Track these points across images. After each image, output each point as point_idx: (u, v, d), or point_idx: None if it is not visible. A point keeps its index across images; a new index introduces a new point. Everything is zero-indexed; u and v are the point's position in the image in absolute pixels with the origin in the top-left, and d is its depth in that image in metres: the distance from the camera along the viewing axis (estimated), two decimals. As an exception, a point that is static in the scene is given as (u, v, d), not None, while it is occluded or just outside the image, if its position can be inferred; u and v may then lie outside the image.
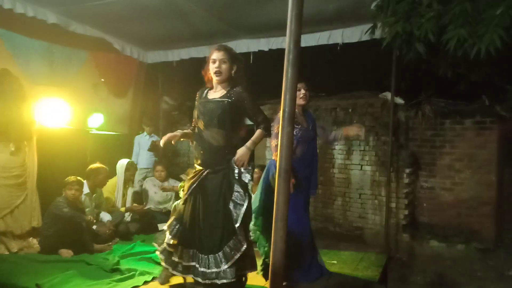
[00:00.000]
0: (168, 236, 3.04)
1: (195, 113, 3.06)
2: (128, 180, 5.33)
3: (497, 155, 5.05)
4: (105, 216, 4.76)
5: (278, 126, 3.58)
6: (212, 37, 5.60)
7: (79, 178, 4.27)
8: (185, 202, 3.05)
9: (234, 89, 2.94)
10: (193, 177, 3.02)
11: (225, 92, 2.96)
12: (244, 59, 3.13)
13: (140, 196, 5.60)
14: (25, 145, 4.17)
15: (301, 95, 3.43)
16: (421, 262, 5.17)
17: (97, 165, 4.74)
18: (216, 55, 2.91)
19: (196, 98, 3.12)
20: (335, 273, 3.75)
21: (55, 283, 3.24)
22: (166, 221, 5.02)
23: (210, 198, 2.94)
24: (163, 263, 3.12)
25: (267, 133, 2.94)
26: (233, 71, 2.94)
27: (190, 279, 3.06)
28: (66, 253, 4.00)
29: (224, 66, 2.90)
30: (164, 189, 5.69)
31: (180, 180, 5.64)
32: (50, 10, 4.59)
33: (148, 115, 6.72)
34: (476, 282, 4.65)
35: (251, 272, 3.09)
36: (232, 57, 2.95)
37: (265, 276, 3.37)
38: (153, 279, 3.51)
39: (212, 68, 2.93)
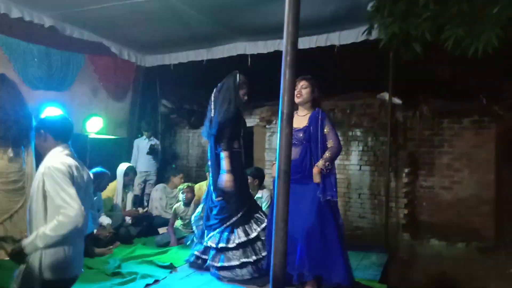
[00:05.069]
0: None
1: None
2: (128, 185, 5.32)
3: (495, 154, 5.06)
4: (105, 220, 4.75)
5: None
6: (210, 40, 5.61)
7: None
8: None
9: None
10: None
11: None
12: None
13: (141, 200, 5.58)
14: (22, 151, 4.16)
15: (295, 93, 3.37)
16: (422, 261, 5.17)
17: (101, 169, 4.73)
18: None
19: None
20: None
21: None
22: (166, 225, 5.07)
23: None
24: None
25: None
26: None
27: None
28: (66, 257, 3.98)
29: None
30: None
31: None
32: (47, 15, 4.59)
33: (145, 120, 6.72)
34: (476, 281, 4.65)
35: None
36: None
37: None
38: (155, 282, 3.52)
39: None
